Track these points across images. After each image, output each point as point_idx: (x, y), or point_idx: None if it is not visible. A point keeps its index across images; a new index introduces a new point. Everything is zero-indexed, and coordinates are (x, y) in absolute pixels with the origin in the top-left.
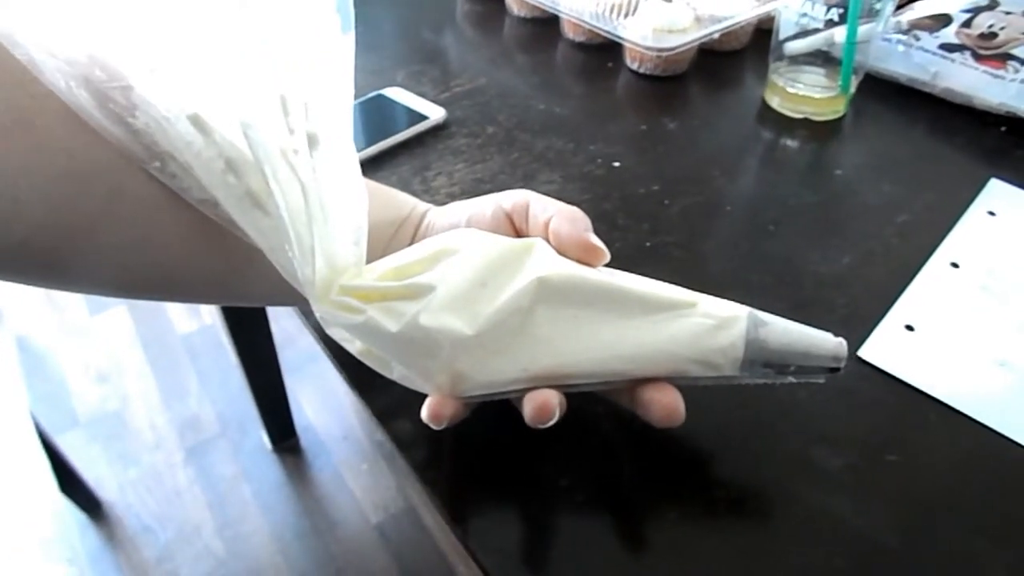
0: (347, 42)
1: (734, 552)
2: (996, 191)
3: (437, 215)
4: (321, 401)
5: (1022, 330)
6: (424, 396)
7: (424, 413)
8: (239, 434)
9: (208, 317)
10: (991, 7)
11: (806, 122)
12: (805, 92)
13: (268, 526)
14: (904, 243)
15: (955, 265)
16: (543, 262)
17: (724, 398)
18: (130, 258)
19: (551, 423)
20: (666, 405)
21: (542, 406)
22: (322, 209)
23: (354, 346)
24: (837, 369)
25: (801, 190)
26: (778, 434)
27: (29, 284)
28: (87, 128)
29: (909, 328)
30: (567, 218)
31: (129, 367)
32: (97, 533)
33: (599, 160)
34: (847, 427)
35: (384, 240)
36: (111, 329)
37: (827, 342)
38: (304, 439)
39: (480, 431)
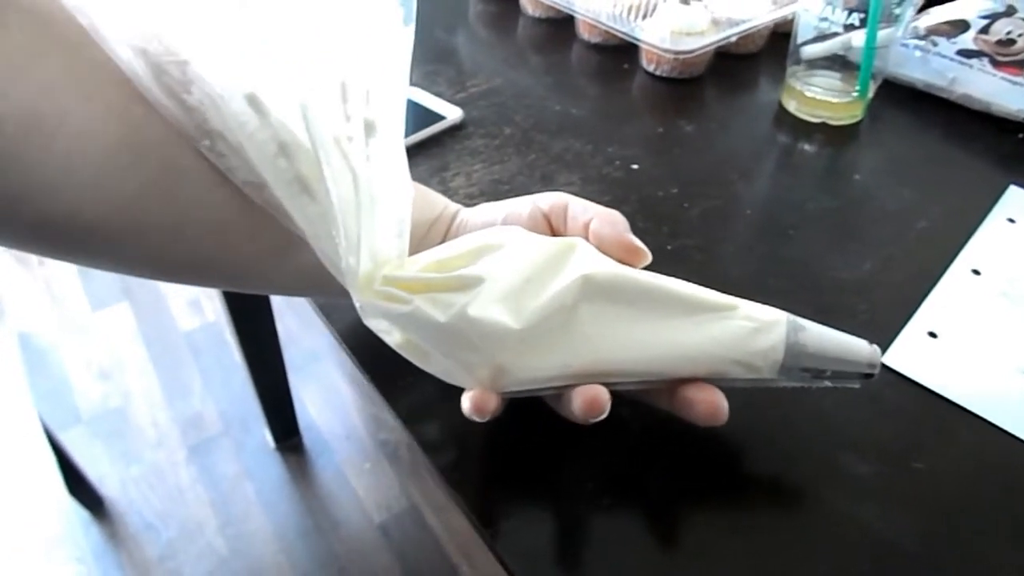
0: (407, 34)
1: (760, 554)
2: (1015, 198)
3: (470, 214)
4: (324, 400)
5: None
6: (458, 391)
7: (466, 406)
8: (242, 432)
9: (211, 314)
10: (1009, 14)
11: (823, 126)
12: (822, 96)
13: (270, 525)
14: (924, 249)
15: (976, 272)
16: (587, 260)
17: (752, 402)
18: (172, 237)
19: (601, 418)
20: (710, 404)
21: (593, 400)
22: (371, 199)
23: (392, 338)
24: (871, 375)
25: (819, 194)
26: (806, 439)
27: (58, 259)
28: (143, 100)
29: (932, 335)
30: (607, 220)
31: (131, 364)
32: (100, 531)
33: (617, 162)
34: (873, 433)
35: (416, 238)
36: (113, 326)
37: (862, 349)
38: (307, 438)
39: (505, 433)
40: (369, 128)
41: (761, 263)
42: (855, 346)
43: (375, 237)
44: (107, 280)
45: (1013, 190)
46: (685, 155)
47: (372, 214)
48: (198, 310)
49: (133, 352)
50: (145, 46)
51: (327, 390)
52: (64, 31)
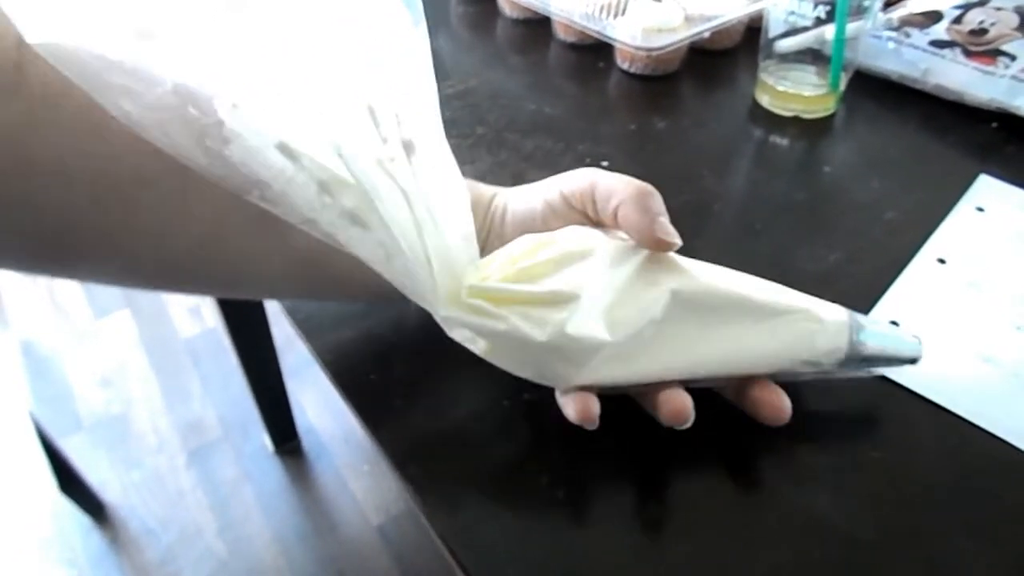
0: (421, 35)
1: (714, 547)
2: (985, 187)
3: (509, 199)
4: (323, 403)
5: (1008, 325)
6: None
7: (573, 416)
8: (241, 437)
9: (210, 320)
10: (981, 3)
11: (796, 120)
12: (795, 90)
13: (270, 528)
14: (892, 240)
15: (942, 261)
16: (674, 273)
17: (708, 394)
18: (201, 253)
19: (684, 425)
20: (776, 408)
21: (679, 411)
22: (429, 213)
23: (478, 346)
24: (915, 361)
25: (790, 188)
26: (762, 429)
27: (104, 283)
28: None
29: (894, 324)
30: (634, 205)
31: (132, 371)
32: (100, 535)
33: (588, 160)
34: (831, 423)
35: None
36: (115, 333)
37: (909, 341)
38: (306, 441)
39: (461, 428)
40: (408, 147)
41: (729, 257)
42: (903, 339)
43: (444, 249)
44: (109, 288)
45: (983, 179)
46: (657, 152)
47: (435, 227)
48: (198, 317)
49: (134, 359)
50: (183, 115)
51: (325, 394)
52: (70, 95)
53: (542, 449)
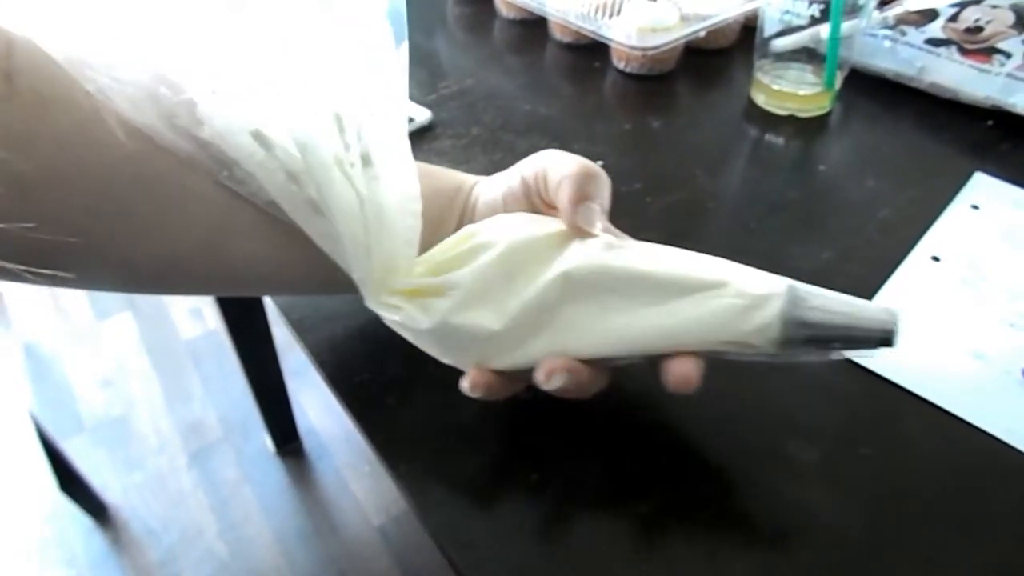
0: (401, 54)
1: (704, 543)
2: (980, 185)
3: (481, 190)
4: (323, 404)
5: (1000, 322)
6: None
7: (464, 384)
8: (242, 438)
9: (211, 322)
10: (977, 1)
11: (791, 119)
12: (790, 89)
13: (271, 529)
14: (885, 238)
15: (936, 259)
16: (571, 254)
17: (699, 390)
18: (201, 258)
19: (555, 386)
20: (681, 375)
21: (550, 371)
22: (377, 217)
23: (409, 336)
24: (889, 342)
25: (784, 186)
26: (753, 426)
27: (101, 289)
28: (143, 135)
29: None
30: (572, 183)
31: (134, 372)
32: (102, 536)
33: None
34: (822, 420)
35: (432, 223)
36: (116, 334)
37: (875, 315)
38: (307, 442)
39: (452, 427)
40: (365, 160)
41: (720, 255)
42: (867, 313)
43: (384, 250)
44: None
45: (979, 176)
46: (652, 151)
47: (380, 228)
48: (199, 318)
49: (136, 360)
50: (153, 93)
51: (326, 395)
52: (67, 85)
53: (532, 447)
